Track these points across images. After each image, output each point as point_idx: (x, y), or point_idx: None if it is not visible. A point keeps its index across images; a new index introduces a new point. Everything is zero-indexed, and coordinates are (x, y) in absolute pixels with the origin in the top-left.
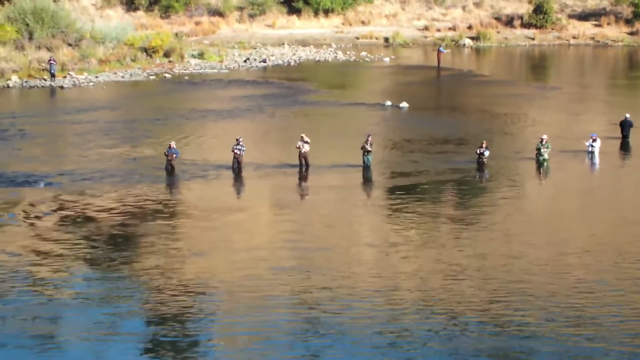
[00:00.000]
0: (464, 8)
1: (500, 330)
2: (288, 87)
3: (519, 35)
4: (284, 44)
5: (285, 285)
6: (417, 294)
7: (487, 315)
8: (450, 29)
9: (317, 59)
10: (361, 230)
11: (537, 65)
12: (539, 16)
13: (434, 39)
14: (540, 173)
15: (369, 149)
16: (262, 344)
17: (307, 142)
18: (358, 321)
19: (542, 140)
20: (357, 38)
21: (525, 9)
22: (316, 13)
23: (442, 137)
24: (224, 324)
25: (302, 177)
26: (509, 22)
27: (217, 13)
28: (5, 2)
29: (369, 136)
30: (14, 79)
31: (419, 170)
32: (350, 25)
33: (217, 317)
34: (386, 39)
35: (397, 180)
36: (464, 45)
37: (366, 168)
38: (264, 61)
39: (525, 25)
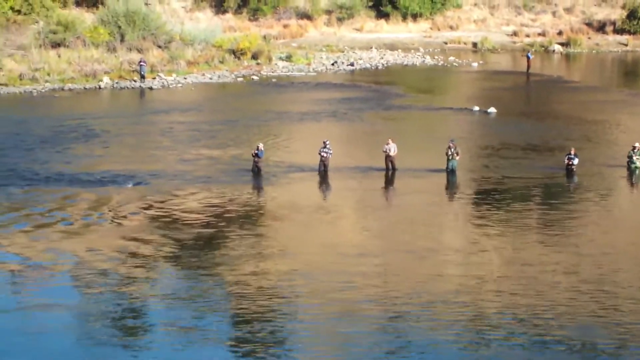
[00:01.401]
0: (554, 14)
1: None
2: (375, 91)
3: (611, 42)
4: (371, 48)
5: (369, 288)
6: (500, 298)
7: (566, 315)
8: (539, 34)
9: (405, 63)
10: (446, 234)
11: (630, 71)
12: (632, 22)
13: (522, 44)
14: (631, 181)
15: (453, 154)
16: (344, 346)
17: (393, 146)
18: (443, 325)
19: (634, 148)
20: (445, 43)
21: (618, 14)
22: (404, 17)
23: (530, 143)
24: (308, 325)
25: (388, 181)
26: (600, 28)
27: (305, 16)
28: (99, 6)
29: (451, 141)
30: (106, 80)
31: (506, 176)
32: (439, 30)
33: (301, 318)
34: (474, 44)
35: (482, 186)
36: (554, 51)
37: (451, 173)
38: (352, 64)
39: (618, 31)
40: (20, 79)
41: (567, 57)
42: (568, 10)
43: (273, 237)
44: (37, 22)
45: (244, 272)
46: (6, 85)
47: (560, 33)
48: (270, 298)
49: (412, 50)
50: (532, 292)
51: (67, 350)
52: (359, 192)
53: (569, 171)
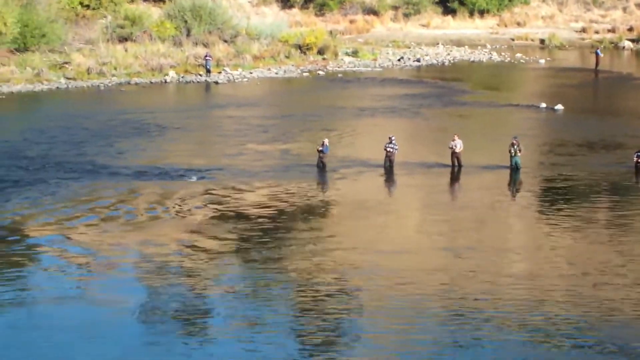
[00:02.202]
0: (624, 9)
1: None
2: (442, 87)
3: None
4: (438, 44)
5: (432, 285)
6: (566, 296)
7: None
8: (609, 31)
9: (472, 59)
10: (510, 232)
11: None
12: None
13: (591, 41)
14: None
15: (516, 150)
16: (406, 342)
17: (459, 142)
18: (508, 325)
19: None
20: (512, 39)
21: None
22: (471, 14)
23: (598, 141)
24: (372, 321)
25: (454, 177)
26: None
27: (372, 12)
28: (166, 0)
29: (514, 138)
30: (172, 74)
31: (573, 173)
32: (506, 26)
33: (365, 314)
34: (542, 41)
35: (549, 183)
36: (624, 47)
37: (515, 170)
38: (418, 60)
39: None
40: (88, 73)
41: (638, 53)
42: (639, 5)
43: (337, 233)
44: (105, 16)
45: (306, 266)
46: (74, 79)
47: (630, 29)
48: (333, 293)
49: (479, 47)
50: (602, 294)
51: (130, 343)
52: (424, 188)
53: (638, 169)
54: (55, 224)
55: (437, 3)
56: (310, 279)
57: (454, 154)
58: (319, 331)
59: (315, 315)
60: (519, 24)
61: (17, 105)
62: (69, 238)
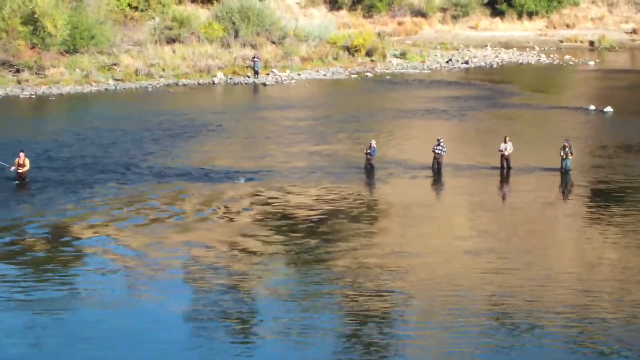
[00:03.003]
0: None
1: None
2: (490, 89)
3: None
4: (486, 46)
5: (481, 287)
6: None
7: None
8: None
9: (520, 61)
10: (560, 235)
11: None
12: None
13: None
14: None
15: (567, 153)
16: (453, 346)
17: (509, 145)
18: (555, 329)
19: None
20: (561, 41)
21: None
22: (520, 15)
23: None
24: (418, 323)
25: (503, 180)
26: None
27: (420, 14)
28: (214, 2)
29: (566, 141)
30: (219, 75)
31: (622, 176)
32: (555, 28)
33: (411, 316)
34: (591, 43)
35: (597, 185)
36: None
37: (565, 172)
38: (466, 62)
39: None
40: (136, 75)
41: None
42: None
43: (385, 235)
44: (153, 18)
45: (355, 269)
46: (122, 80)
47: None
48: (381, 295)
49: (527, 49)
50: None
51: (178, 346)
52: (472, 190)
53: None
54: (104, 225)
55: (485, 5)
56: (357, 281)
57: (503, 156)
58: (366, 333)
59: (361, 318)
60: (568, 25)
61: (66, 106)
62: (117, 239)
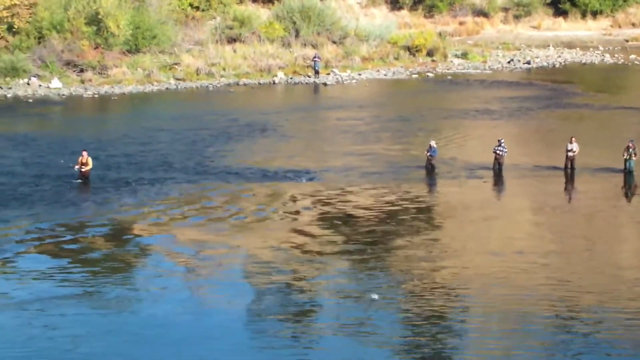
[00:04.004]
0: None
1: None
2: (552, 90)
3: None
4: (548, 46)
5: (543, 288)
6: None
7: None
8: None
9: (583, 61)
10: (624, 236)
11: None
12: None
13: None
14: None
15: (631, 154)
16: (519, 347)
17: (575, 145)
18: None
19: None
20: (627, 40)
21: None
22: (583, 15)
23: None
24: (480, 326)
25: (566, 180)
26: None
27: (482, 13)
28: (275, 1)
29: (631, 141)
30: (280, 75)
31: None
32: (620, 27)
33: (474, 317)
34: None
35: None
36: None
37: (628, 173)
38: (528, 63)
39: None
40: (197, 74)
41: None
42: None
43: (445, 236)
44: (214, 18)
45: (413, 270)
46: (183, 80)
47: None
48: (439, 298)
49: (591, 49)
50: None
51: (236, 344)
52: (534, 190)
53: None
54: (165, 224)
55: (548, 4)
56: (417, 280)
57: (568, 157)
58: (427, 334)
59: (421, 317)
60: (633, 24)
61: (128, 106)
62: (178, 238)
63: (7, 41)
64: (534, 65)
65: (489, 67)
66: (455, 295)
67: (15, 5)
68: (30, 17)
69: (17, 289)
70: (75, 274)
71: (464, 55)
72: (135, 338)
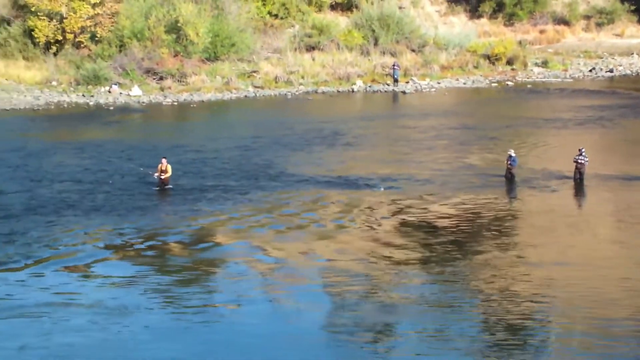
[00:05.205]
0: None
1: None
2: (636, 98)
3: None
4: (632, 54)
5: (624, 298)
6: None
7: None
8: None
9: None
10: None
11: None
12: None
13: None
14: None
15: None
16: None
17: None
18: None
19: None
20: None
21: None
22: None
23: None
24: (561, 337)
25: None
26: None
27: (563, 21)
28: (354, 9)
29: None
30: (359, 83)
31: None
32: None
33: (554, 328)
34: None
35: None
36: None
37: None
38: (611, 71)
39: None
40: (276, 82)
41: None
42: None
43: (524, 245)
44: (293, 26)
45: (492, 279)
46: (262, 87)
47: None
48: (518, 307)
49: None
50: None
51: (314, 353)
52: (616, 200)
53: None
54: (244, 231)
55: (632, 12)
56: (496, 289)
57: None
58: (505, 341)
59: (501, 326)
60: None
61: (207, 113)
62: (257, 245)
63: (89, 50)
64: (617, 74)
65: (569, 75)
66: (533, 304)
67: (98, 14)
68: (112, 26)
69: (101, 295)
70: (153, 281)
71: (545, 64)
72: (215, 345)
